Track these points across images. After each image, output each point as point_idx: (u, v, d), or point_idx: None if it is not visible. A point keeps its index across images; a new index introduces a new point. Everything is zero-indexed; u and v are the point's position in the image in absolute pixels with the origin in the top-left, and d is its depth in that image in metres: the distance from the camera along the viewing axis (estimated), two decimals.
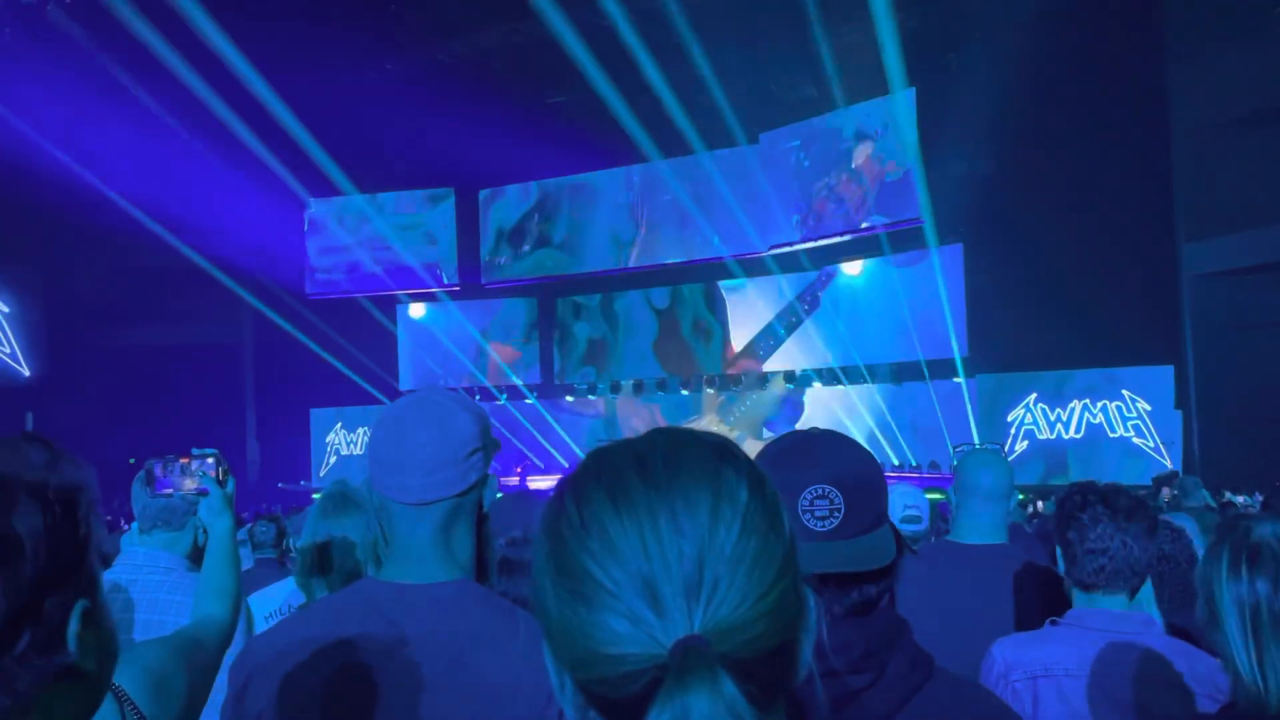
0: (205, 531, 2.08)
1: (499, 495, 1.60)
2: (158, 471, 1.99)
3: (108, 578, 2.41)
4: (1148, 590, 2.15)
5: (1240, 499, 8.38)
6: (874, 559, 1.14)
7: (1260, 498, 8.46)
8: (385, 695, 1.30)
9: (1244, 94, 11.78)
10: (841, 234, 15.83)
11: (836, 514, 1.14)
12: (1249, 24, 11.72)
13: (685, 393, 17.76)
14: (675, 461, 0.66)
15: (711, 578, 0.61)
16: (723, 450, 0.69)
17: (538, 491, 3.10)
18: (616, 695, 0.62)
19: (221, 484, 1.99)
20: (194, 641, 1.70)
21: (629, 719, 0.61)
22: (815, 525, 1.14)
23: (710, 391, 17.78)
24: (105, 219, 18.14)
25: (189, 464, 1.98)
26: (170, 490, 2.00)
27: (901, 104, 14.24)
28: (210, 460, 1.98)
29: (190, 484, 1.98)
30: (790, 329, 17.22)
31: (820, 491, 1.15)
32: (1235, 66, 11.83)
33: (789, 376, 17.15)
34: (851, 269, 16.41)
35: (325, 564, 2.40)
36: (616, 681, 0.62)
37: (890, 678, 1.12)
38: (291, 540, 3.39)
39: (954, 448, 4.08)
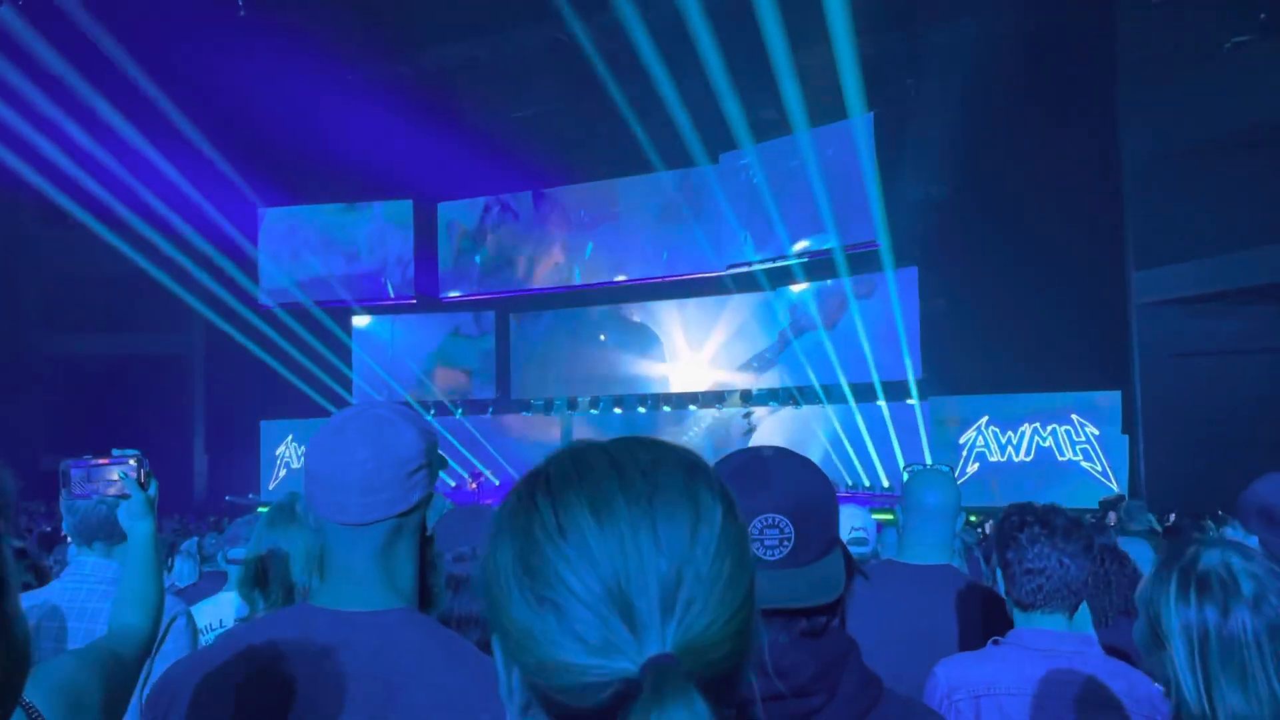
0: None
1: (448, 508, 1.54)
2: (75, 474, 1.86)
3: (54, 590, 2.39)
4: (1084, 610, 2.16)
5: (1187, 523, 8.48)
6: (822, 592, 1.13)
7: (1211, 524, 8.56)
8: None
9: (1194, 125, 11.99)
10: (798, 255, 15.95)
11: (786, 543, 1.13)
12: (1199, 55, 11.95)
13: (642, 410, 17.73)
14: (654, 477, 0.66)
15: (686, 596, 0.61)
16: (695, 469, 0.68)
17: (489, 507, 3.02)
18: (575, 704, 0.61)
19: (143, 486, 1.88)
20: (110, 653, 1.63)
21: None
22: (765, 554, 1.13)
23: (666, 410, 17.77)
24: (51, 224, 17.84)
25: (109, 465, 1.86)
26: (89, 494, 1.87)
27: (860, 128, 14.41)
28: (132, 462, 1.86)
29: (111, 488, 1.86)
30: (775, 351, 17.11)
31: (770, 521, 1.14)
32: (1185, 97, 12.04)
33: (745, 396, 17.20)
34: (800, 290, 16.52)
35: (266, 576, 2.36)
36: (578, 691, 0.61)
37: (842, 698, 1.12)
38: (227, 549, 3.34)
39: (905, 467, 4.10)
